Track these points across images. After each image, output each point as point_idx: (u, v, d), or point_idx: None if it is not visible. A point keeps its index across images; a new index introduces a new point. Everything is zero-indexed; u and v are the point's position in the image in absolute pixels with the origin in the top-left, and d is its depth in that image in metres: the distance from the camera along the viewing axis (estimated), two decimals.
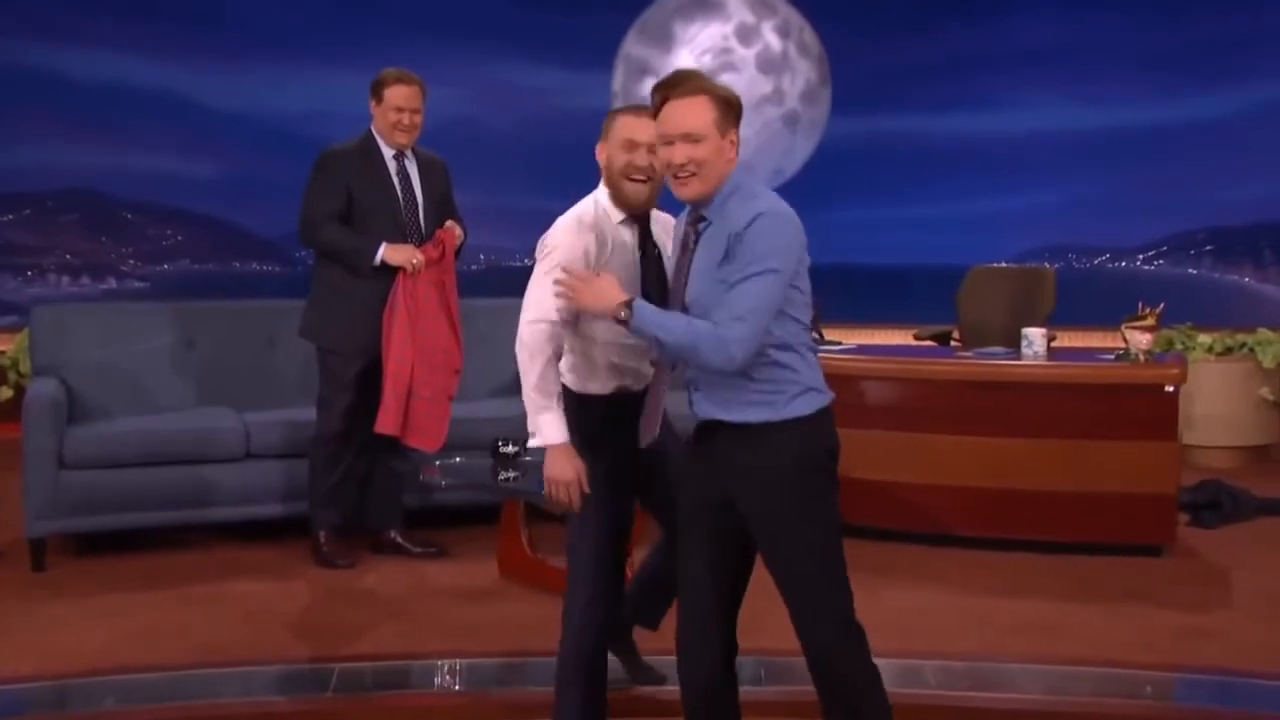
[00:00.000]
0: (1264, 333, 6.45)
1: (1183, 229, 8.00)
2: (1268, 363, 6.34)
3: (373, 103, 4.63)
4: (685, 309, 2.60)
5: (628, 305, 2.54)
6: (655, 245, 3.01)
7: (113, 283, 7.67)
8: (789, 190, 8.42)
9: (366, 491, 4.82)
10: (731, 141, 2.56)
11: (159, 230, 7.82)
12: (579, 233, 2.92)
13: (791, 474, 2.57)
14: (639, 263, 2.98)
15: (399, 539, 4.83)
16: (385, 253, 4.51)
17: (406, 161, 4.67)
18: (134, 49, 7.44)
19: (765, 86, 8.15)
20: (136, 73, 7.45)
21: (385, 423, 4.52)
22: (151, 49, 7.46)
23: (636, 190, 2.93)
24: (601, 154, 2.97)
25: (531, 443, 2.95)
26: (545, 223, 3.22)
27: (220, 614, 4.17)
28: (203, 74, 7.53)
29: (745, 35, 8.13)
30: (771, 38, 8.15)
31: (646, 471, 3.10)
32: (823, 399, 2.62)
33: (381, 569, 4.68)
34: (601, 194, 3.00)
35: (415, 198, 4.66)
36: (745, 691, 3.56)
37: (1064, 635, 3.96)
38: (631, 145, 2.90)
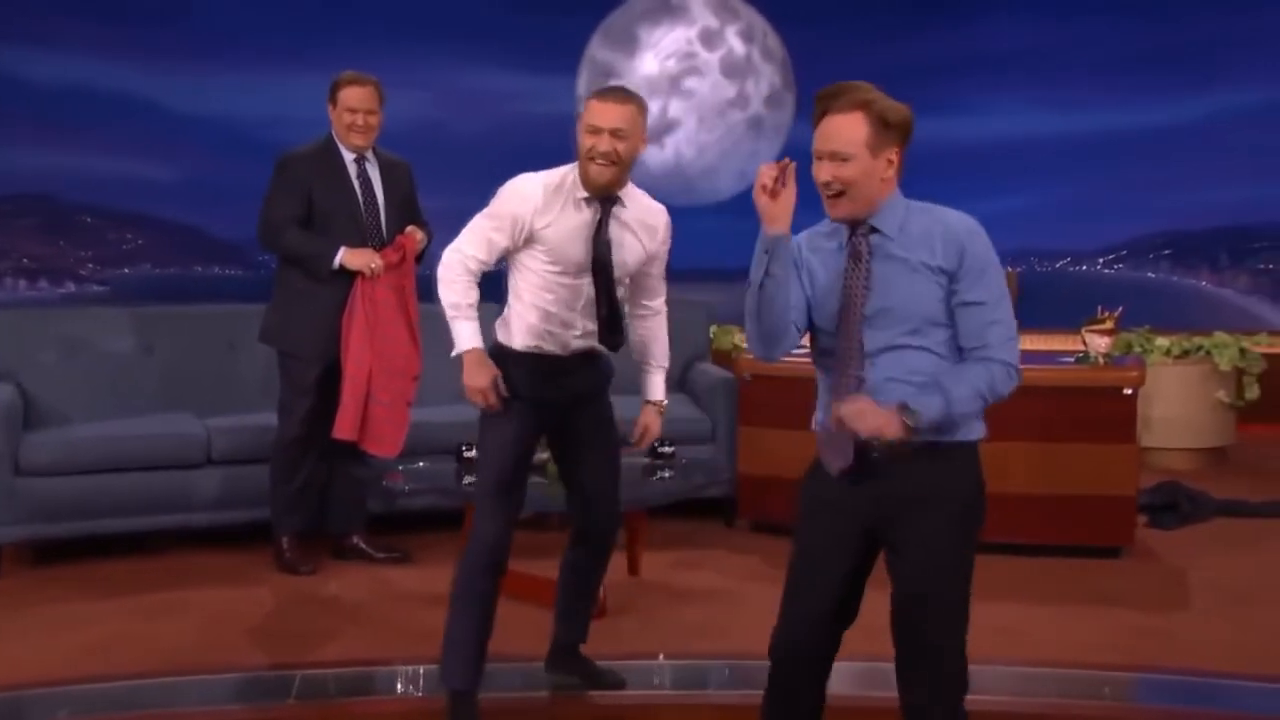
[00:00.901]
0: (1220, 336, 6.53)
1: (1142, 234, 8.10)
2: (1224, 365, 6.42)
3: (329, 106, 4.60)
4: (863, 320, 2.48)
5: (908, 411, 2.37)
6: (608, 234, 3.12)
7: (71, 287, 7.59)
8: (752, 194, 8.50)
9: (329, 497, 4.78)
10: (889, 160, 2.45)
11: (119, 234, 7.74)
12: (531, 187, 3.09)
13: (960, 504, 2.48)
14: (589, 241, 3.10)
15: (362, 544, 4.80)
16: (344, 257, 4.48)
17: (367, 164, 4.64)
18: (93, 51, 7.36)
19: (729, 91, 8.17)
20: (96, 75, 7.38)
21: (343, 427, 4.50)
22: (111, 51, 7.38)
23: (597, 172, 3.04)
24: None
25: (453, 353, 3.15)
26: None
27: (181, 622, 4.13)
28: (164, 77, 7.46)
29: (709, 39, 8.15)
30: (735, 42, 8.17)
31: (567, 436, 3.28)
32: (983, 430, 2.53)
33: (344, 575, 4.65)
34: (578, 171, 3.13)
35: (376, 201, 4.63)
36: (714, 696, 3.60)
37: (1025, 637, 3.98)
38: (594, 130, 3.02)
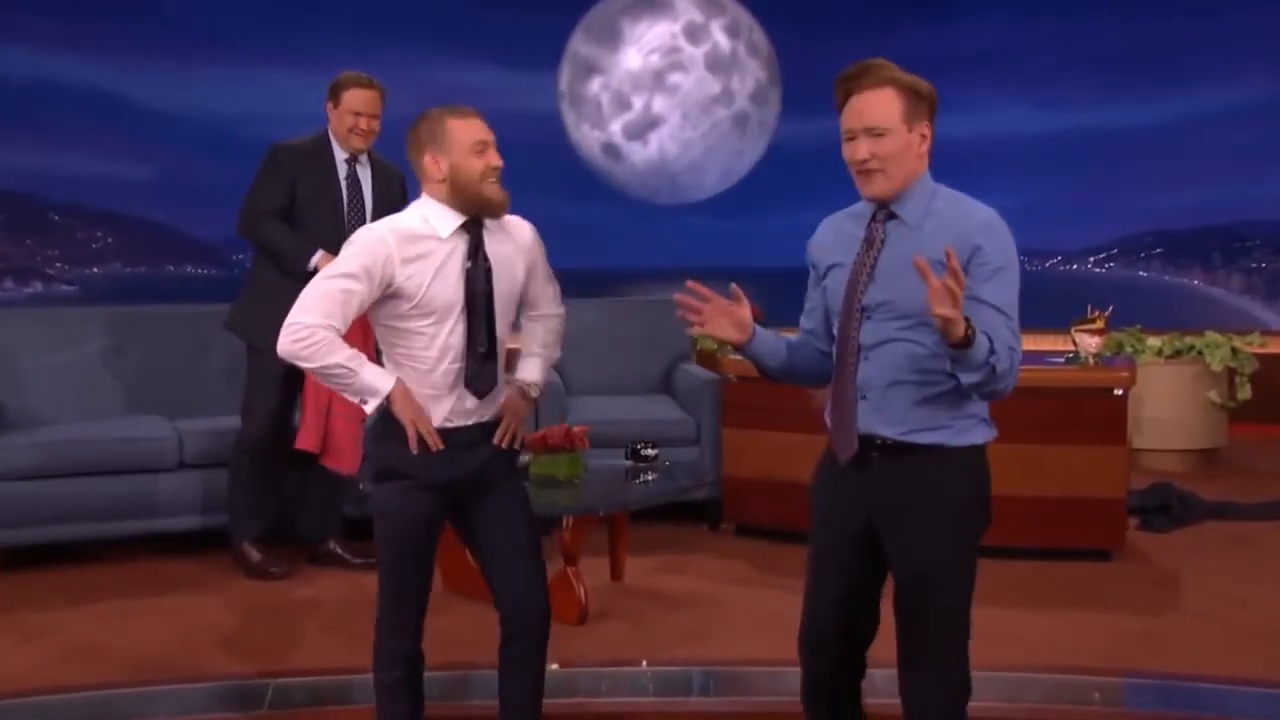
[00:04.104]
0: (1212, 335, 6.49)
1: (1132, 232, 8.10)
2: (1216, 366, 6.38)
3: (329, 105, 4.53)
4: (861, 311, 2.42)
5: (970, 326, 2.22)
6: (486, 256, 2.80)
7: (39, 286, 7.51)
8: (738, 192, 8.49)
9: (304, 501, 4.72)
10: (922, 135, 2.42)
11: (89, 232, 7.66)
12: (379, 236, 2.74)
13: (958, 506, 2.43)
14: (465, 274, 2.77)
15: (338, 549, 4.73)
16: (320, 260, 4.36)
17: (359, 167, 4.57)
18: (62, 46, 7.29)
19: (714, 86, 8.13)
20: (65, 70, 7.30)
21: (305, 439, 4.45)
22: (81, 46, 7.32)
23: (499, 191, 2.78)
24: (437, 164, 2.77)
25: (370, 406, 2.76)
26: None
27: (153, 629, 4.07)
28: (135, 73, 7.40)
29: (694, 34, 8.10)
30: (720, 37, 8.13)
31: (473, 527, 2.90)
32: (991, 433, 2.49)
33: (320, 580, 4.58)
34: (430, 208, 2.79)
35: (364, 204, 4.55)
36: (698, 703, 3.54)
37: (1014, 641, 3.94)
38: (483, 147, 2.76)
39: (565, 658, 3.78)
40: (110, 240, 7.72)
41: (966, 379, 2.30)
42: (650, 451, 4.65)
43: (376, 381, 2.73)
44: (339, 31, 7.50)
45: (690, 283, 2.51)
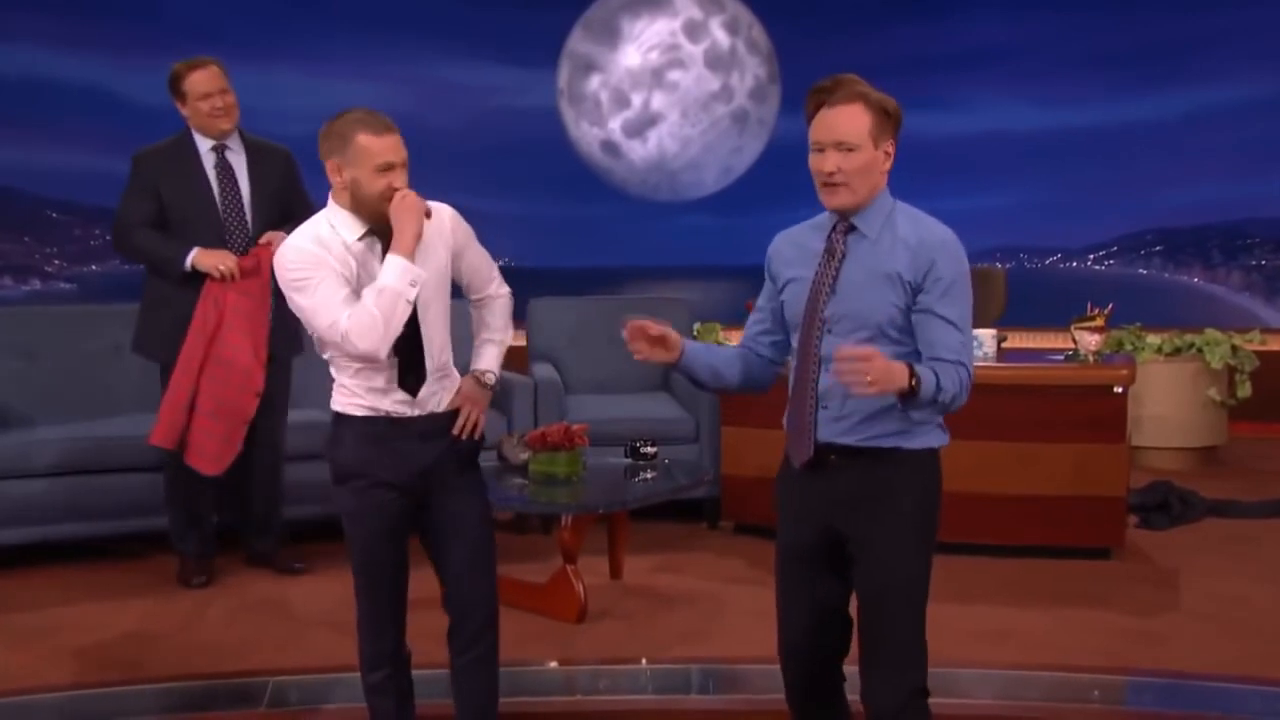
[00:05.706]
0: (1212, 333, 6.47)
1: (1132, 230, 8.07)
2: (1215, 364, 6.37)
3: (178, 104, 4.33)
4: (823, 323, 2.49)
5: (914, 375, 2.34)
6: None
7: (37, 284, 7.49)
8: (737, 189, 8.47)
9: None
10: (887, 153, 2.49)
11: (86, 230, 7.64)
12: (301, 247, 2.70)
13: (915, 504, 2.51)
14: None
15: None
16: (195, 257, 4.21)
17: (230, 154, 4.36)
18: (60, 43, 7.26)
19: (713, 84, 8.12)
20: (63, 67, 7.28)
21: (157, 434, 4.24)
22: (79, 43, 7.29)
23: None
24: (339, 173, 2.71)
25: (417, 284, 2.70)
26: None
27: (150, 627, 4.06)
28: (133, 69, 7.36)
29: (693, 31, 8.09)
30: (720, 34, 8.11)
31: (433, 521, 2.88)
32: (945, 438, 2.56)
33: (316, 579, 4.56)
34: (335, 215, 2.75)
35: (239, 194, 4.34)
36: (697, 701, 3.54)
37: (1013, 640, 3.93)
38: (387, 168, 2.69)
39: (564, 656, 3.78)
40: (108, 238, 7.68)
41: (916, 415, 2.44)
42: (649, 449, 4.64)
43: (399, 273, 2.66)
44: (337, 28, 7.49)
45: (632, 321, 2.57)
